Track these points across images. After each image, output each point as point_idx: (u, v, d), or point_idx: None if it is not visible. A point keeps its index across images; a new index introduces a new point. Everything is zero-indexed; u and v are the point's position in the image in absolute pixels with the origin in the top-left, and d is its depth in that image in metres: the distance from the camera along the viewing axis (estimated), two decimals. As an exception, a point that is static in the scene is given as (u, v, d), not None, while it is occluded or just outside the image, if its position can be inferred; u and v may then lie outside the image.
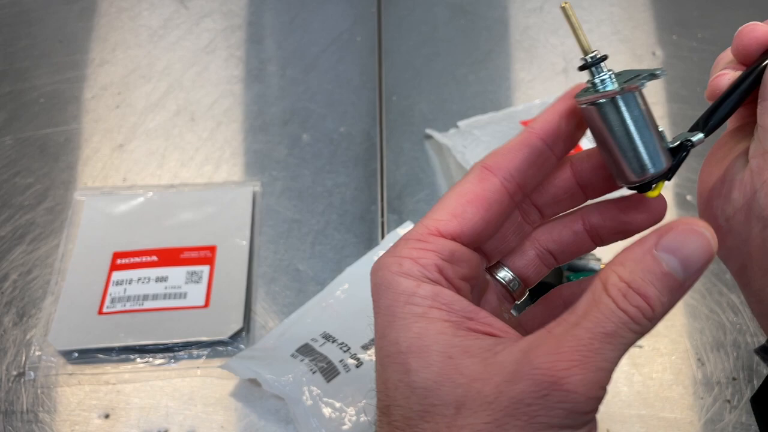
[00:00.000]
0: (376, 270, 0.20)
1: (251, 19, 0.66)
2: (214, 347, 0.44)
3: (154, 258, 0.48)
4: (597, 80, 0.21)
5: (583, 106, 0.21)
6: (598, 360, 0.17)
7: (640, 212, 0.22)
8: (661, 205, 0.22)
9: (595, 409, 0.17)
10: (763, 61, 0.23)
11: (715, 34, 0.65)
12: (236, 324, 0.44)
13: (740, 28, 0.24)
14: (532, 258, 0.23)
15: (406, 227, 0.50)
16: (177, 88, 0.60)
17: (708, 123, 0.23)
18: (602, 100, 0.20)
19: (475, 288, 0.20)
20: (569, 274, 0.46)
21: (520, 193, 0.21)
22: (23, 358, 0.44)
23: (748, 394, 0.43)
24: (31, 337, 0.45)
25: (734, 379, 0.44)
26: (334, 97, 0.60)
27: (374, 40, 0.64)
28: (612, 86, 0.21)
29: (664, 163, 0.21)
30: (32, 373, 0.43)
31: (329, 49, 0.63)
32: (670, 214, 0.54)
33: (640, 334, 0.18)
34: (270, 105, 0.59)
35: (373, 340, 0.43)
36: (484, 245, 0.21)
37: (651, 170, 0.21)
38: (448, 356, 0.18)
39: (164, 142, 0.56)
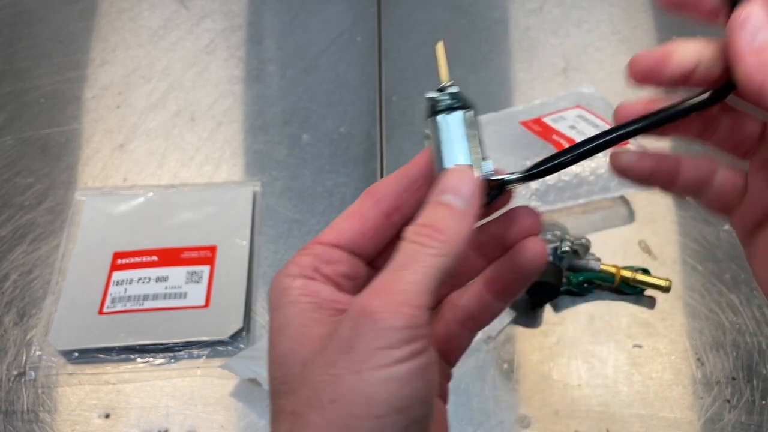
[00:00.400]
0: (272, 279, 0.23)
1: (251, 19, 0.66)
2: (214, 347, 0.44)
3: (155, 258, 0.48)
4: (442, 101, 0.23)
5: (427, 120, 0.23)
6: (400, 283, 0.20)
7: (508, 228, 0.25)
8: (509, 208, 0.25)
9: (410, 326, 0.19)
10: (614, 133, 0.24)
11: (715, 33, 0.65)
12: (236, 324, 0.44)
13: (617, 108, 0.25)
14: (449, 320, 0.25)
15: None
16: (177, 88, 0.60)
17: (533, 170, 0.26)
18: (430, 117, 0.23)
19: (362, 283, 0.23)
20: (569, 273, 0.46)
21: (395, 212, 0.24)
22: (24, 358, 0.44)
23: (747, 394, 0.43)
24: (32, 337, 0.45)
25: (734, 378, 0.44)
26: (334, 97, 0.60)
27: (374, 40, 0.64)
28: (444, 104, 0.23)
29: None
30: (33, 373, 0.43)
31: (329, 50, 0.63)
32: (670, 214, 0.54)
33: (442, 256, 0.20)
34: (270, 105, 0.59)
35: None
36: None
37: None
38: (302, 326, 0.21)
39: (164, 142, 0.56)
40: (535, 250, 0.24)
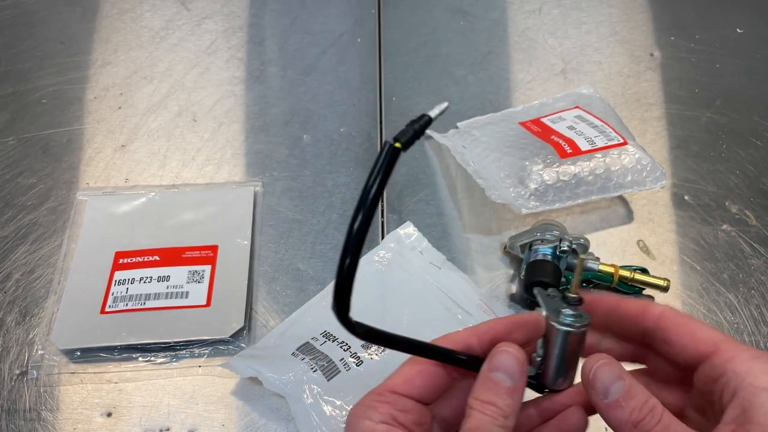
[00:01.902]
0: (348, 417, 0.27)
1: (252, 20, 0.66)
2: (215, 346, 0.44)
3: (156, 257, 0.48)
4: (568, 314, 0.28)
5: (561, 328, 0.28)
6: None
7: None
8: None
9: None
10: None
11: (713, 35, 0.65)
12: (237, 323, 0.45)
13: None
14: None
15: (406, 227, 0.50)
16: (179, 89, 0.60)
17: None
18: (576, 330, 0.28)
19: (428, 428, 0.28)
20: (568, 273, 0.47)
21: (458, 374, 0.29)
22: (26, 357, 0.44)
23: (745, 393, 0.43)
24: (34, 336, 0.45)
25: (732, 377, 0.44)
26: (335, 97, 0.60)
27: (374, 41, 0.65)
28: (582, 321, 0.28)
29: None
30: (35, 372, 0.44)
31: (330, 51, 0.64)
32: (668, 214, 0.54)
33: (505, 426, 0.26)
34: (271, 106, 0.59)
35: None
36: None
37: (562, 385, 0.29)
38: None
39: (166, 142, 0.56)
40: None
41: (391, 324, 0.43)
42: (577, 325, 0.27)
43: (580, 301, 0.28)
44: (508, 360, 0.27)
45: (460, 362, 0.28)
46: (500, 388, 0.26)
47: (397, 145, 0.24)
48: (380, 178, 0.25)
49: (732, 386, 0.25)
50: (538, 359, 0.29)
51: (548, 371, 0.29)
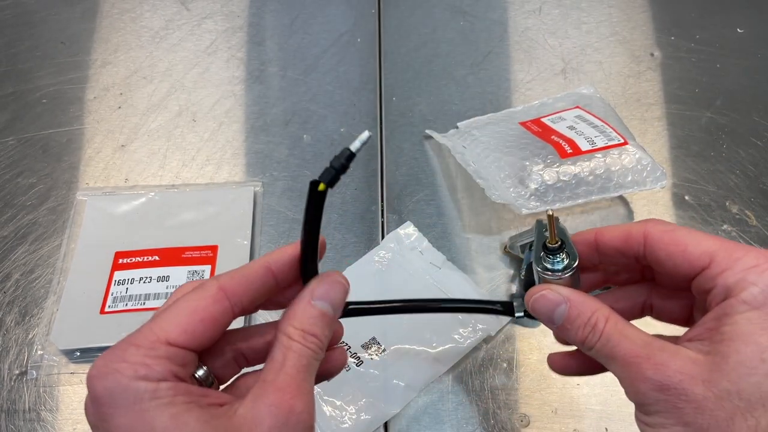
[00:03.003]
0: (104, 375, 0.23)
1: (252, 20, 0.66)
2: (215, 346, 0.44)
3: (156, 258, 0.48)
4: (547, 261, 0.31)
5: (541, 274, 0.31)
6: (307, 386, 0.24)
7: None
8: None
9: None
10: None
11: (713, 34, 0.65)
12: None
13: None
14: (228, 360, 0.28)
15: (406, 227, 0.50)
16: (179, 89, 0.60)
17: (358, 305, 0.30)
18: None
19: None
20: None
21: (242, 312, 0.26)
22: (25, 357, 0.44)
23: (745, 393, 0.43)
24: (33, 336, 0.45)
25: (732, 377, 0.44)
26: (335, 98, 0.60)
27: (374, 41, 0.65)
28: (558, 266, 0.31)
29: None
30: (34, 372, 0.44)
31: (330, 51, 0.64)
32: (668, 214, 0.54)
33: (319, 359, 0.26)
34: (271, 106, 0.59)
35: (373, 338, 0.44)
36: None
37: None
38: (205, 422, 0.23)
39: (166, 142, 0.56)
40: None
41: (390, 324, 0.43)
42: (552, 269, 0.30)
43: (560, 247, 0.30)
44: (337, 291, 0.26)
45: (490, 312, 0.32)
46: (325, 318, 0.26)
47: (321, 187, 0.25)
48: (310, 219, 0.25)
49: (719, 298, 0.25)
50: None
51: None
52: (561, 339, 0.30)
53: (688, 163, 0.56)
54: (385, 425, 0.42)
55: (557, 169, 0.49)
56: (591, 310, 0.27)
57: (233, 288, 0.25)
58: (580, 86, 0.60)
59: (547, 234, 0.30)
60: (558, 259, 0.30)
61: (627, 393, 0.26)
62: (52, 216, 0.51)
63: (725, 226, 0.52)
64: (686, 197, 0.53)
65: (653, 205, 0.53)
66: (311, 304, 0.26)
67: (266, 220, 0.52)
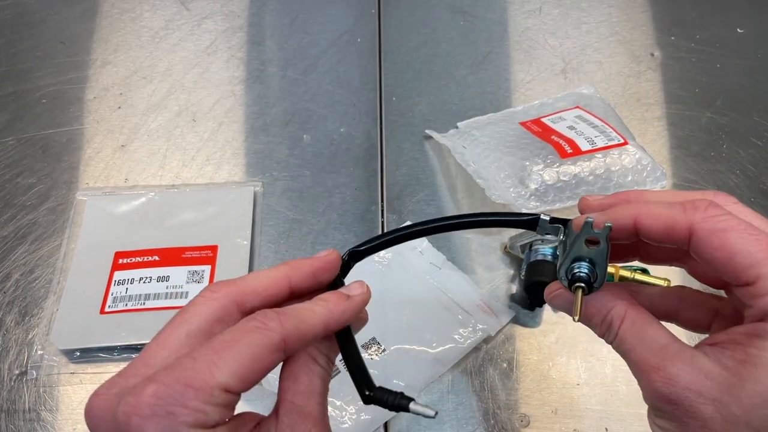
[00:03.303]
0: (159, 416, 0.21)
1: (252, 20, 0.66)
2: (215, 346, 0.44)
3: (156, 258, 0.48)
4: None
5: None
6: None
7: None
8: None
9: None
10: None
11: (713, 34, 0.65)
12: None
13: None
14: None
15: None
16: (178, 89, 0.60)
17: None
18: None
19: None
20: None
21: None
22: (25, 357, 0.44)
23: (746, 393, 0.43)
24: (33, 337, 0.45)
25: (732, 378, 0.44)
26: (335, 97, 0.60)
27: (374, 41, 0.65)
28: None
29: None
30: (34, 372, 0.44)
31: (330, 51, 0.64)
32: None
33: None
34: (271, 106, 0.59)
35: (373, 338, 0.44)
36: None
37: None
38: None
39: (166, 142, 0.56)
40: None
41: (391, 324, 0.43)
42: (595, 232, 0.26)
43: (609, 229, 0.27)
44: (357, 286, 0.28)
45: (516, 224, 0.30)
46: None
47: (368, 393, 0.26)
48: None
49: (756, 317, 0.24)
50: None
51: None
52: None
53: (688, 163, 0.56)
54: (385, 425, 0.42)
55: (557, 169, 0.49)
56: (607, 308, 0.26)
57: (292, 340, 0.24)
58: (580, 86, 0.60)
59: (586, 247, 0.27)
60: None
61: (641, 391, 0.26)
62: (52, 216, 0.51)
63: (725, 226, 0.52)
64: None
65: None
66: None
67: (266, 220, 0.52)
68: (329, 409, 0.40)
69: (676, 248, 0.27)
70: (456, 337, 0.44)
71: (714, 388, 0.23)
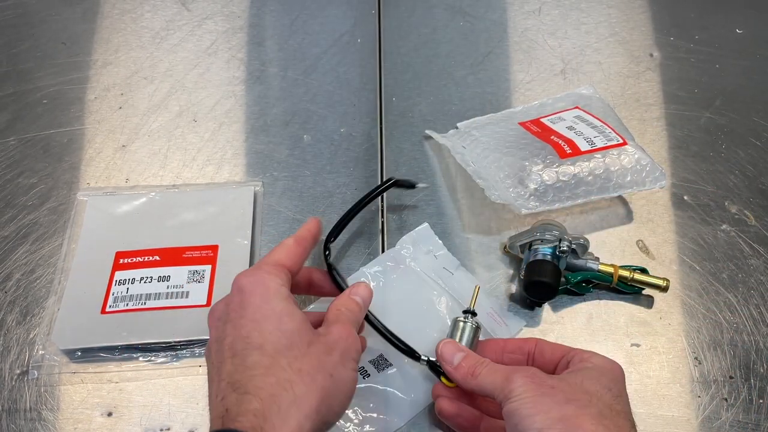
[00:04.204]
0: (251, 274, 0.38)
1: (252, 21, 0.66)
2: (215, 346, 0.45)
3: (157, 257, 0.48)
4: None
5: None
6: (355, 331, 0.38)
7: None
8: None
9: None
10: None
11: (712, 35, 0.66)
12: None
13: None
14: (297, 283, 0.43)
15: (424, 230, 0.50)
16: (179, 89, 0.60)
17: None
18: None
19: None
20: (567, 273, 0.47)
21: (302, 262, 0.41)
22: (27, 357, 0.44)
23: (744, 393, 0.43)
24: (35, 336, 0.45)
25: (731, 377, 0.44)
26: (335, 98, 0.60)
27: (374, 41, 0.65)
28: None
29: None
30: (35, 372, 0.44)
31: (330, 51, 0.64)
32: (668, 214, 0.54)
33: (356, 326, 0.39)
34: (271, 106, 0.59)
35: (381, 355, 0.43)
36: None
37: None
38: (282, 319, 0.35)
39: (166, 142, 0.57)
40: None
41: (397, 326, 0.43)
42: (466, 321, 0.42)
43: (473, 314, 0.43)
44: (364, 289, 0.40)
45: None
46: (358, 305, 0.39)
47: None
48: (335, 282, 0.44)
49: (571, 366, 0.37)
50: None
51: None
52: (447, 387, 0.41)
53: (687, 163, 0.56)
54: (385, 424, 0.42)
55: (557, 170, 0.49)
56: (478, 358, 0.39)
57: (298, 239, 0.40)
58: (579, 86, 0.60)
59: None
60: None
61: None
62: (53, 216, 0.52)
63: (724, 226, 0.52)
64: (685, 197, 0.54)
65: (652, 205, 0.53)
66: (351, 298, 0.39)
67: (266, 219, 0.52)
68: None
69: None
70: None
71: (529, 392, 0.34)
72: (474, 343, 0.42)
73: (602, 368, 0.35)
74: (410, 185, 0.51)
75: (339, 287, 0.43)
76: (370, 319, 0.42)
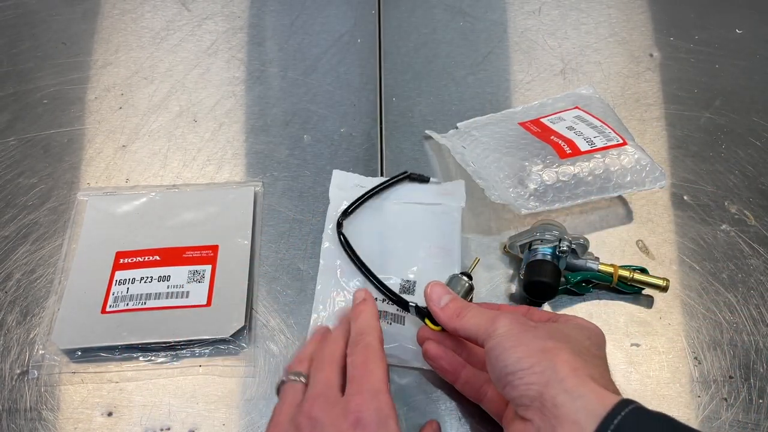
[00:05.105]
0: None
1: (253, 21, 0.66)
2: (215, 346, 0.45)
3: (157, 257, 0.48)
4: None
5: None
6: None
7: None
8: None
9: None
10: None
11: (712, 35, 0.66)
12: (238, 323, 0.45)
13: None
14: None
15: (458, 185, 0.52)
16: (179, 89, 0.60)
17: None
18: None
19: None
20: (567, 273, 0.47)
21: None
22: (27, 357, 0.44)
23: (744, 392, 0.43)
24: (35, 336, 0.45)
25: (731, 377, 0.44)
26: (335, 98, 0.60)
27: (374, 41, 0.65)
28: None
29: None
30: (36, 372, 0.44)
31: (330, 51, 0.64)
32: (668, 214, 0.54)
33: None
34: (271, 106, 0.60)
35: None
36: None
37: None
38: None
39: (167, 142, 0.57)
40: None
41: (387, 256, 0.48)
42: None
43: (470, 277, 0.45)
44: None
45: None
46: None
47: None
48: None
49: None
50: None
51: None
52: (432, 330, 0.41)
53: (687, 163, 0.56)
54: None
55: (556, 170, 0.49)
56: (463, 303, 0.39)
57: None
58: (579, 87, 0.60)
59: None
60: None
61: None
62: (53, 216, 0.52)
63: (724, 226, 0.52)
64: (685, 197, 0.54)
65: (652, 205, 0.53)
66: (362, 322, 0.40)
67: (266, 220, 0.52)
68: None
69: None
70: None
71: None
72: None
73: (583, 325, 0.37)
74: (423, 179, 0.52)
75: (357, 262, 0.46)
76: (363, 271, 0.44)
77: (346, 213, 0.49)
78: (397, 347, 0.44)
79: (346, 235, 0.47)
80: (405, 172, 0.52)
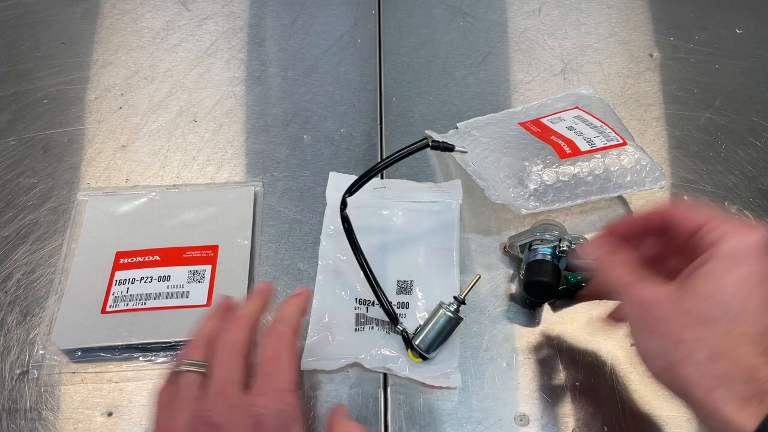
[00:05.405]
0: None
1: (253, 21, 0.66)
2: (215, 346, 0.45)
3: (157, 257, 0.48)
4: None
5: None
6: None
7: None
8: None
9: None
10: None
11: (712, 35, 0.66)
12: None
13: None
14: None
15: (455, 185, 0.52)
16: (179, 89, 0.60)
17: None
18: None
19: None
20: (567, 273, 0.47)
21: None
22: (27, 357, 0.44)
23: (744, 392, 0.43)
24: (35, 336, 0.45)
25: (731, 377, 0.44)
26: (335, 98, 0.60)
27: (374, 42, 0.65)
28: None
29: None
30: (36, 372, 0.44)
31: (330, 51, 0.64)
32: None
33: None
34: (271, 106, 0.60)
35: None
36: None
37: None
38: None
39: (167, 142, 0.57)
40: None
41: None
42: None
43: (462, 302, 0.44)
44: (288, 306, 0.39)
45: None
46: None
47: None
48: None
49: (701, 251, 0.33)
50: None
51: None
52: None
53: (687, 163, 0.56)
54: (385, 424, 0.42)
55: (556, 170, 0.49)
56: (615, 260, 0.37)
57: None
58: (579, 87, 0.60)
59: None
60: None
61: (624, 311, 0.36)
62: (53, 216, 0.52)
63: (724, 226, 0.52)
64: (685, 197, 0.54)
65: (652, 205, 0.53)
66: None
67: (266, 220, 0.52)
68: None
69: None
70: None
71: (670, 295, 0.33)
72: (444, 334, 0.43)
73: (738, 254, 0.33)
74: (448, 148, 0.47)
75: (354, 245, 0.44)
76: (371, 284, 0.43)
77: (353, 188, 0.45)
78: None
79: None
80: (424, 139, 0.46)
